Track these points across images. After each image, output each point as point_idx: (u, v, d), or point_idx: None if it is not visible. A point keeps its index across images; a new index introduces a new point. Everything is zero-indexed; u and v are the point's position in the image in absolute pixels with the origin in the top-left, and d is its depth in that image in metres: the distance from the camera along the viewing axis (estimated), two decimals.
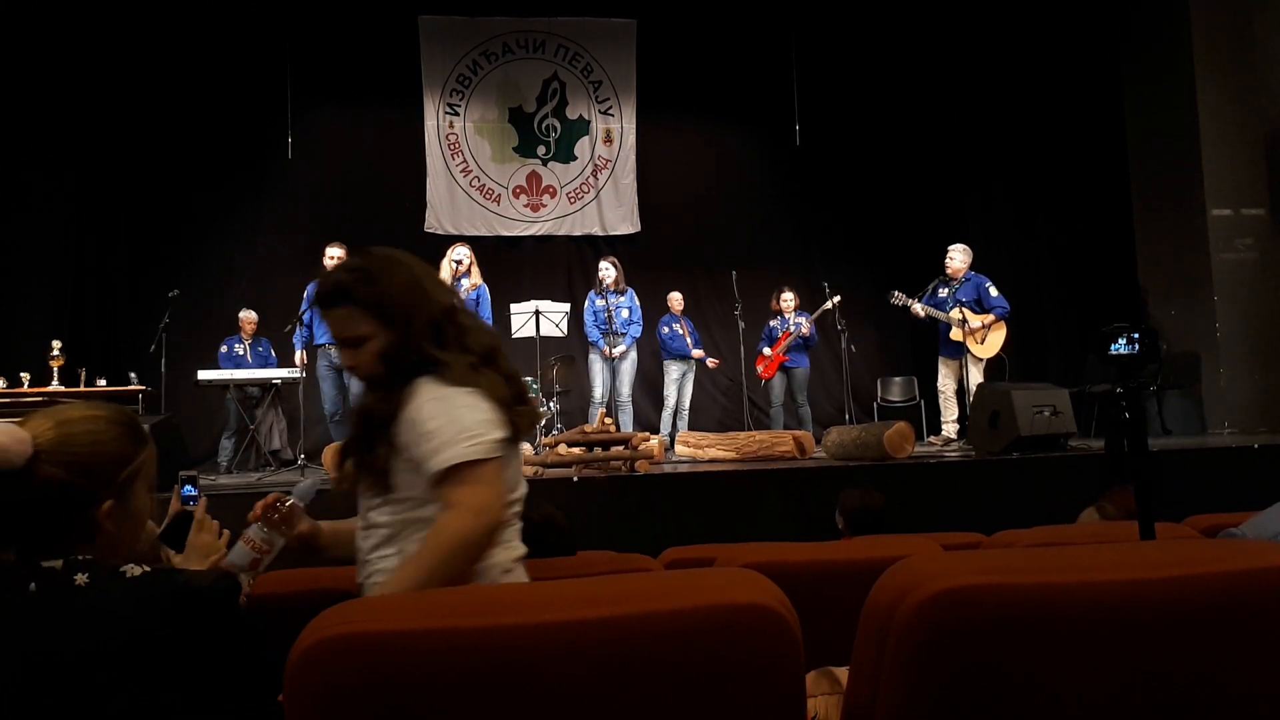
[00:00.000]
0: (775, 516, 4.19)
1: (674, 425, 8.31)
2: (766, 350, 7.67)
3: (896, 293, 6.87)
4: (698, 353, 8.00)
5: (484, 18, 9.37)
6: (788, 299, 7.77)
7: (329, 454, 4.65)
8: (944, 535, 2.62)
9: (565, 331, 7.37)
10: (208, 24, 8.56)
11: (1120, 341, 1.93)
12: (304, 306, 6.40)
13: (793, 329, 7.60)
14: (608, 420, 4.91)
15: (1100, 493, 3.11)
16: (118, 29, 8.36)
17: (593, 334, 7.56)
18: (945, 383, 6.83)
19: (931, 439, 7.17)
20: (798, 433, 5.30)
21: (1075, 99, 8.34)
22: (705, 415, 8.93)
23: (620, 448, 4.61)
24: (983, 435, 5.14)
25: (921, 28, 9.27)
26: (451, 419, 1.57)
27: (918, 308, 6.79)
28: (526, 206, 9.59)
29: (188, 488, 3.23)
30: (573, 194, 9.64)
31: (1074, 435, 5.22)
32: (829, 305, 7.43)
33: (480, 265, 6.72)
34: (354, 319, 1.66)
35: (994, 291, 6.78)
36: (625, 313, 7.40)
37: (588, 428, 4.78)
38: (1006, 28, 8.75)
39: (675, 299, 8.34)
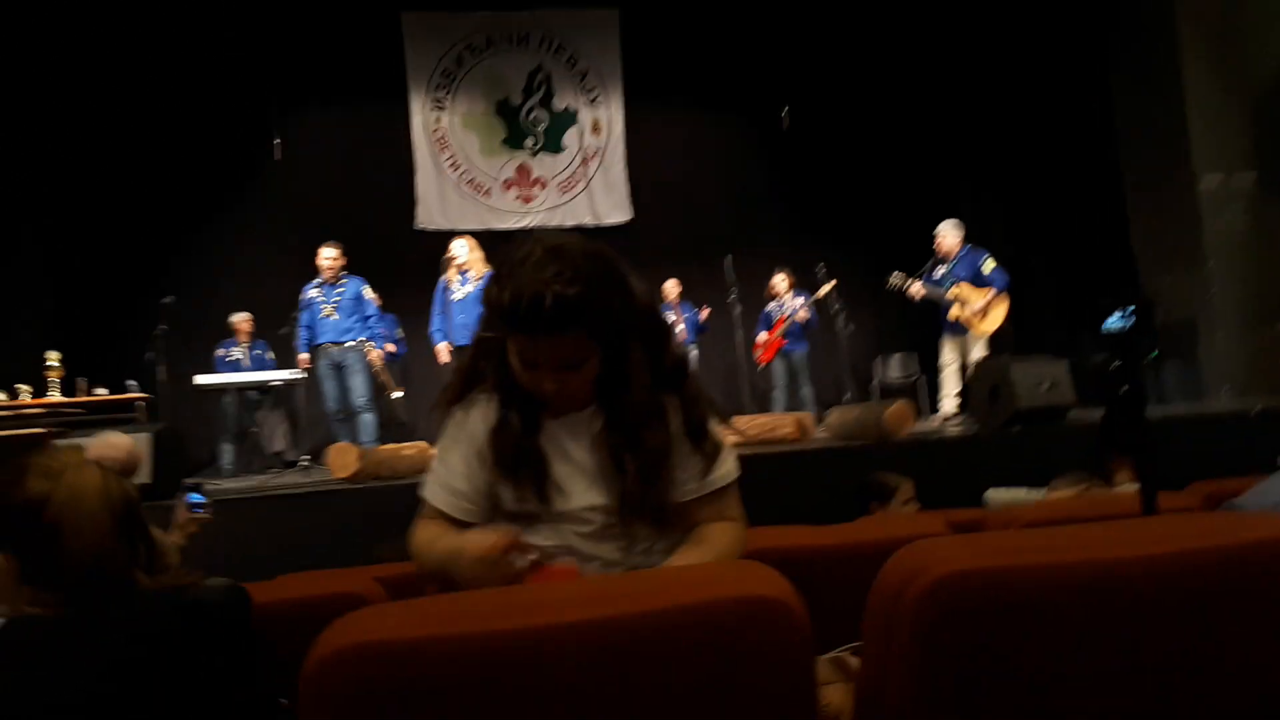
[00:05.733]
0: (780, 499, 4.20)
1: None
2: (763, 335, 7.66)
3: (895, 274, 6.82)
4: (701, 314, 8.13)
5: (466, 12, 9.34)
6: (779, 281, 7.76)
7: (333, 454, 4.65)
8: (949, 512, 2.64)
9: None
10: (190, 30, 8.51)
11: (1114, 316, 1.93)
12: (301, 308, 6.40)
13: (788, 314, 7.60)
14: None
15: (1098, 465, 3.14)
16: (101, 35, 8.31)
17: None
18: (948, 358, 6.75)
19: (933, 417, 7.16)
20: (799, 414, 5.32)
21: (1062, 71, 8.32)
22: None
23: None
24: (983, 409, 5.16)
25: (905, 5, 9.24)
26: (717, 432, 1.55)
27: (916, 287, 6.74)
28: (517, 199, 9.58)
29: (193, 495, 3.24)
30: (563, 184, 9.63)
31: (1075, 406, 5.22)
32: (824, 291, 7.42)
33: None
34: (580, 344, 1.41)
35: (990, 266, 6.66)
36: None
37: None
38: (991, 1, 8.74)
39: (669, 288, 8.36)
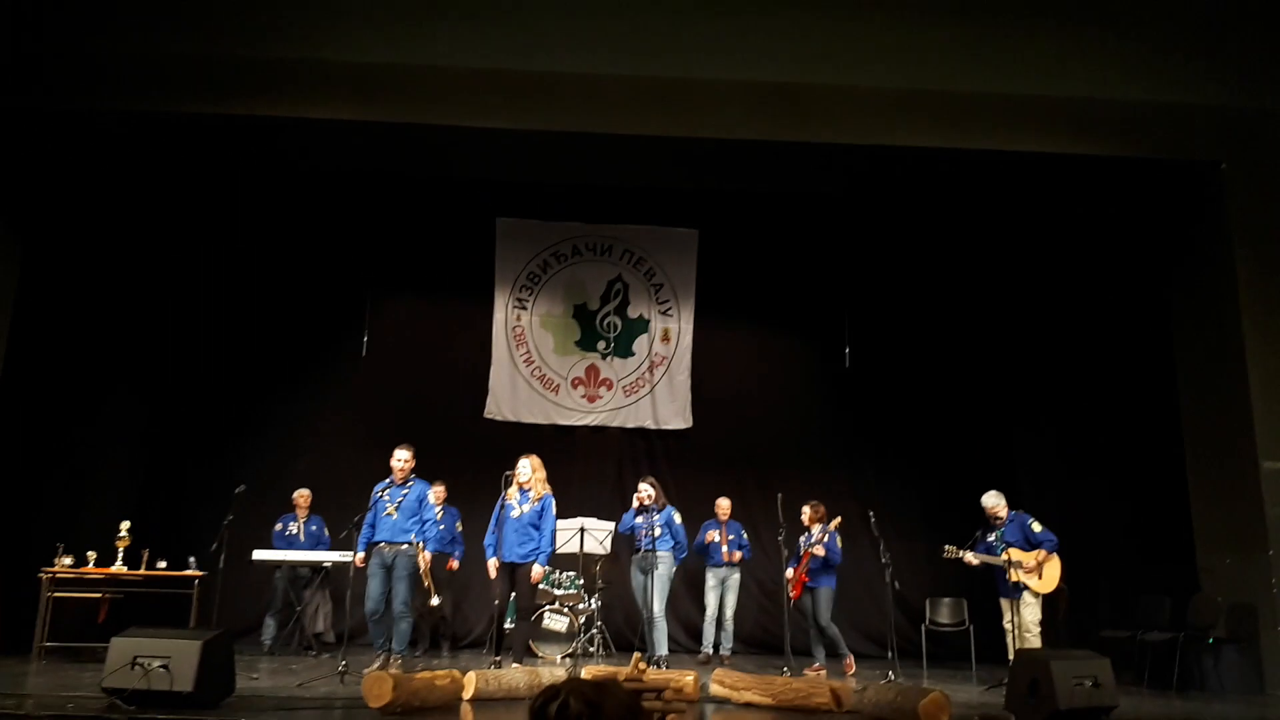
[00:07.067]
0: None
1: (717, 634, 8.25)
2: (790, 571, 7.60)
3: (948, 546, 7.05)
4: (735, 555, 8.17)
5: (557, 222, 9.98)
6: (805, 514, 7.79)
7: (369, 683, 4.75)
8: None
9: (608, 549, 7.53)
10: (291, 230, 9.31)
11: None
12: (370, 506, 6.62)
13: (810, 549, 7.61)
14: (642, 665, 4.95)
15: None
16: (203, 227, 9.16)
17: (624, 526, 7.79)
18: (1009, 624, 6.88)
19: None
20: (835, 684, 5.26)
21: (1126, 339, 8.45)
22: (746, 618, 8.86)
23: (652, 697, 4.64)
24: (1021, 704, 5.05)
25: (973, 264, 9.65)
26: None
27: (970, 557, 6.99)
28: (583, 397, 9.91)
29: None
30: (629, 388, 9.95)
31: (1116, 708, 5.09)
32: (833, 525, 7.51)
33: (534, 452, 6.85)
34: None
35: (1037, 528, 7.00)
36: (657, 530, 7.47)
37: (621, 672, 4.83)
38: (1056, 266, 9.05)
39: (721, 505, 8.46)
